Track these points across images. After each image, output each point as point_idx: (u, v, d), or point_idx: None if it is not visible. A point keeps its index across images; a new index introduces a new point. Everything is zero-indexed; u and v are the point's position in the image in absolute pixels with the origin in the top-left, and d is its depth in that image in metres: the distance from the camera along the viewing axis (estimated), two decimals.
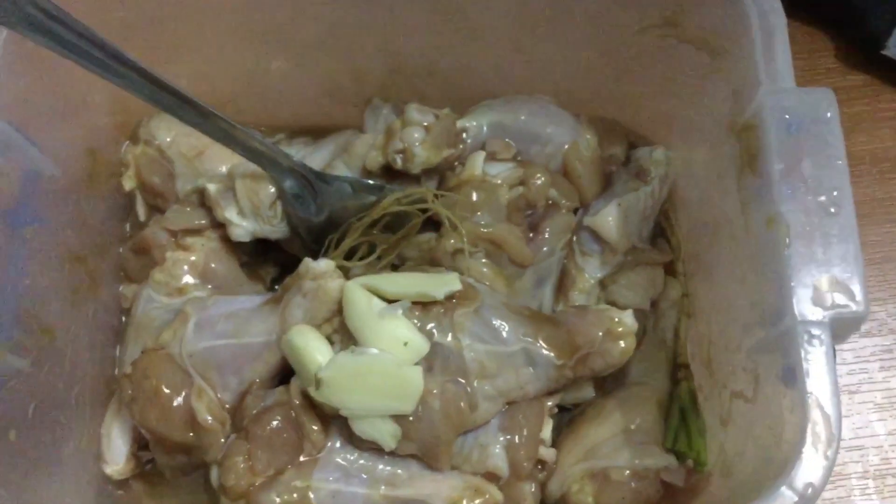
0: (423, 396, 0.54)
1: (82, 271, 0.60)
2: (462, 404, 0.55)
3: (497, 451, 0.56)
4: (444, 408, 0.54)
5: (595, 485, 0.58)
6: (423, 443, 0.55)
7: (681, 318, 0.64)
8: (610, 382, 0.61)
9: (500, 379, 0.55)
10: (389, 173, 0.62)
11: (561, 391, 0.58)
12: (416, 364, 0.54)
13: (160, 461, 0.59)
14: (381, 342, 0.53)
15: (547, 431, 0.58)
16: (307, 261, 0.57)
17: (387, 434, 0.54)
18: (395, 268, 0.62)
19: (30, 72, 0.54)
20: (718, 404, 0.57)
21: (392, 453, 0.55)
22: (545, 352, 0.56)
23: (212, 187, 0.62)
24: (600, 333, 0.56)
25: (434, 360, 0.54)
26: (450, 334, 0.55)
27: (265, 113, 0.68)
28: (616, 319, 0.56)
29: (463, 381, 0.55)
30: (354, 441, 0.55)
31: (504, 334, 0.55)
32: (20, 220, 0.53)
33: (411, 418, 0.54)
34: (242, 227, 0.62)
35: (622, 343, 0.56)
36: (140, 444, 0.61)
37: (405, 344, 0.53)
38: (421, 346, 0.54)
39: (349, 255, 0.61)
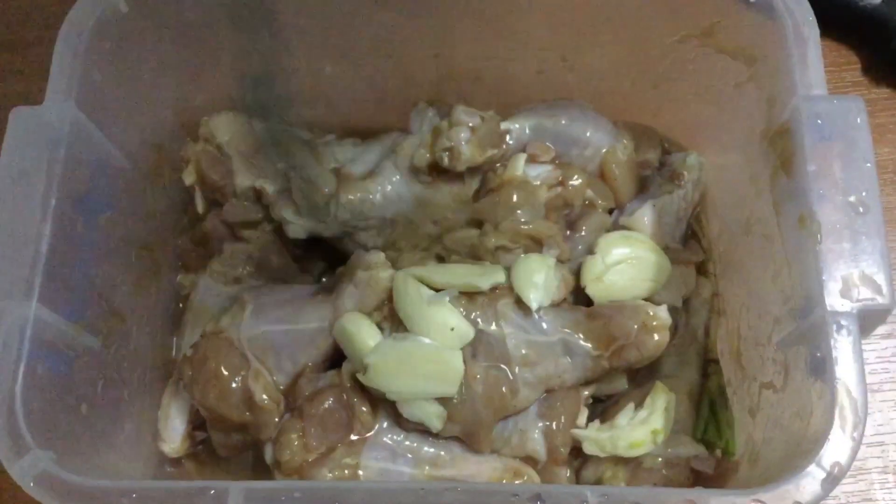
0: (467, 381, 0.57)
1: (148, 259, 0.64)
2: (503, 389, 0.58)
3: (536, 436, 0.59)
4: (487, 392, 0.57)
5: (627, 471, 0.60)
6: (466, 425, 0.58)
7: (711, 316, 0.67)
8: (643, 375, 0.64)
9: (539, 367, 0.58)
10: (435, 171, 0.66)
11: (596, 381, 0.61)
12: (461, 349, 0.57)
13: (216, 440, 0.62)
14: (429, 328, 0.57)
15: (582, 420, 0.61)
16: (360, 252, 0.60)
17: (433, 416, 0.57)
18: (440, 260, 0.65)
19: (105, 67, 0.57)
20: (747, 396, 0.60)
21: (436, 435, 0.58)
22: (583, 343, 0.59)
23: (269, 187, 0.66)
24: (636, 326, 0.59)
25: (478, 347, 0.58)
26: (493, 323, 0.58)
27: (317, 114, 0.71)
28: (651, 313, 0.59)
29: (505, 367, 0.58)
30: (401, 423, 0.58)
31: (544, 325, 0.59)
32: (94, 208, 0.57)
33: (455, 401, 0.57)
34: (299, 225, 0.65)
35: (656, 336, 0.59)
36: (195, 425, 0.64)
37: (452, 329, 0.57)
38: (466, 331, 0.57)
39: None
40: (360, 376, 0.57)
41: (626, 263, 0.62)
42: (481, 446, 0.59)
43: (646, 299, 0.62)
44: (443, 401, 0.57)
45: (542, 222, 0.63)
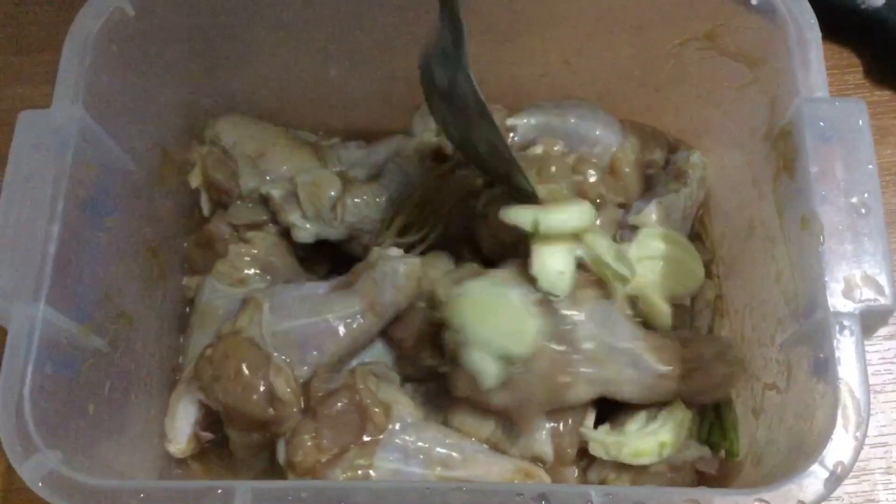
0: (536, 354, 0.55)
1: (154, 262, 0.64)
2: (566, 377, 0.57)
3: (543, 437, 0.59)
4: (549, 372, 0.56)
5: (632, 475, 0.60)
6: (517, 398, 0.57)
7: (714, 318, 0.67)
8: None
9: (603, 369, 0.57)
10: (439, 158, 0.67)
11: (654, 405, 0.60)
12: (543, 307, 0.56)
13: (235, 440, 0.61)
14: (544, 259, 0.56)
15: (590, 421, 0.61)
16: (377, 249, 0.61)
17: (491, 372, 0.55)
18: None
19: (113, 71, 0.57)
20: (751, 397, 0.60)
21: (447, 439, 0.58)
22: (650, 356, 0.58)
23: (276, 193, 0.66)
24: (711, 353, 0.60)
25: (556, 329, 0.56)
26: (574, 308, 0.57)
27: (322, 117, 0.72)
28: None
29: (574, 356, 0.57)
30: (412, 428, 0.58)
31: (618, 328, 0.58)
32: (101, 210, 0.57)
33: (517, 370, 0.55)
34: (306, 230, 0.66)
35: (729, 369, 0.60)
36: (202, 426, 0.64)
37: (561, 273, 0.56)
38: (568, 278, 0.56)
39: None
40: (441, 299, 0.57)
41: (658, 260, 0.63)
42: (524, 424, 0.58)
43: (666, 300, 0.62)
44: (505, 364, 0.56)
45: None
